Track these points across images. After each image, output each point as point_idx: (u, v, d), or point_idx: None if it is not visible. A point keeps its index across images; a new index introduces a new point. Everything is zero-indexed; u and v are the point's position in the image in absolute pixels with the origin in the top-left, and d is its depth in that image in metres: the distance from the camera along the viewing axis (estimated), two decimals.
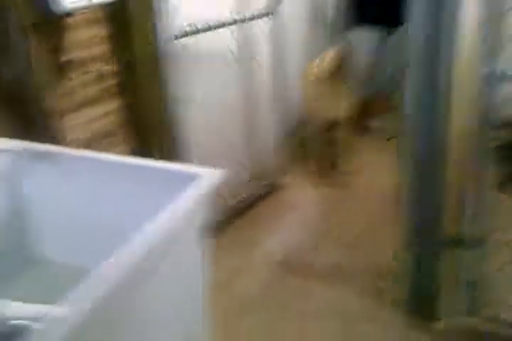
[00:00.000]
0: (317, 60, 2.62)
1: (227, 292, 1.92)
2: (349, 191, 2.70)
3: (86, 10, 1.58)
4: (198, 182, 1.00)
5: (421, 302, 1.71)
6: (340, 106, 2.75)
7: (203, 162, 2.15)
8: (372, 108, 3.18)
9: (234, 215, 2.41)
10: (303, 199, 2.67)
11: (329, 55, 2.61)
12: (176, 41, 1.91)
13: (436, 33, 1.37)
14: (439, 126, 1.46)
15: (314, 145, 2.92)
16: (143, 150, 1.96)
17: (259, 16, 2.35)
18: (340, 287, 1.94)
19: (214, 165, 2.25)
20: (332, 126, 2.95)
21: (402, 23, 1.49)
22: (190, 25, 1.99)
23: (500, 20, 1.32)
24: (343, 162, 2.89)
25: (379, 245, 2.13)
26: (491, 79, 1.34)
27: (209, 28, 2.08)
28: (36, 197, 1.22)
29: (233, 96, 2.41)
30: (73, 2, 1.41)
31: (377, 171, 2.76)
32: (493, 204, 1.52)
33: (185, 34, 1.97)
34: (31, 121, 1.50)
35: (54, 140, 1.52)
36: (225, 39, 2.23)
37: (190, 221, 1.01)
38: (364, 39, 2.93)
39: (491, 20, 1.31)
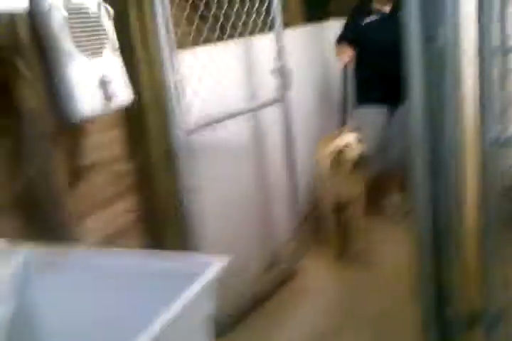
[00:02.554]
0: (327, 143, 2.65)
1: None
2: (364, 271, 2.64)
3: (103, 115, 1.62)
4: (203, 272, 0.99)
5: None
6: (352, 186, 2.76)
7: (217, 253, 2.16)
8: (384, 185, 3.19)
9: (249, 308, 2.32)
10: (319, 284, 2.59)
11: (340, 140, 2.67)
12: (190, 136, 1.95)
13: (437, 106, 1.40)
14: (449, 198, 1.44)
15: (328, 227, 2.89)
16: (157, 243, 1.93)
17: (269, 104, 2.41)
18: None
19: (228, 256, 2.21)
20: (345, 206, 2.94)
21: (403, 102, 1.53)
22: (203, 118, 2.03)
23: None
24: (357, 242, 2.85)
25: (398, 326, 2.04)
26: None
27: (222, 120, 2.13)
28: (45, 301, 1.21)
29: (247, 186, 2.42)
30: (90, 110, 1.45)
31: (391, 250, 2.72)
32: None
33: (199, 128, 2.01)
34: (48, 224, 1.49)
35: (70, 243, 1.50)
36: (238, 130, 2.28)
37: (195, 312, 0.98)
38: (371, 117, 2.98)
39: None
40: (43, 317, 1.21)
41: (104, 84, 1.48)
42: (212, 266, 1.06)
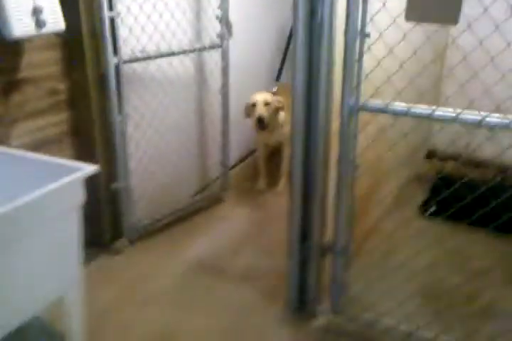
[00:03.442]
0: (260, 99, 2.96)
1: (139, 286, 2.21)
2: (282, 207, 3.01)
3: (40, 37, 1.92)
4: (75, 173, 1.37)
5: (302, 301, 1.99)
6: (283, 132, 3.10)
7: (145, 172, 2.53)
8: None
9: (169, 224, 2.73)
10: (236, 214, 2.97)
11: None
12: (126, 65, 2.25)
13: (314, 74, 1.70)
14: (317, 152, 1.78)
15: (258, 164, 3.27)
16: (83, 159, 2.27)
17: (210, 47, 2.69)
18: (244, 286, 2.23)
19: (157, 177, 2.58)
20: (275, 148, 3.30)
21: None
22: (142, 51, 2.33)
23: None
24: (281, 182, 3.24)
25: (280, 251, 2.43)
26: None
27: (160, 56, 2.42)
28: None
29: (183, 119, 2.74)
30: (22, 31, 1.74)
31: None
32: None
33: (136, 59, 2.31)
34: None
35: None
36: (177, 67, 2.57)
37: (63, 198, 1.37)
38: None
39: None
40: None
41: (36, 11, 1.77)
42: (83, 169, 1.42)
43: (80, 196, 1.40)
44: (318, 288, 1.97)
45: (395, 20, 1.55)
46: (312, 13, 1.64)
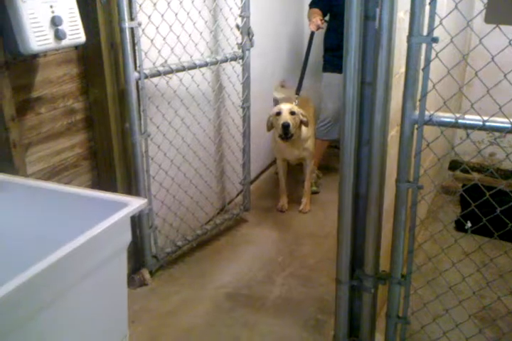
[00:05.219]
0: (284, 107, 2.77)
1: (172, 322, 2.00)
2: (309, 227, 2.82)
3: (57, 51, 1.73)
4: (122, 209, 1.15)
5: (354, 335, 1.79)
6: (306, 147, 2.92)
7: (165, 195, 2.33)
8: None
9: (193, 247, 2.52)
10: (260, 234, 2.77)
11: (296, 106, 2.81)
12: (147, 80, 2.06)
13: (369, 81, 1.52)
14: (371, 171, 1.59)
15: (279, 183, 3.08)
16: (104, 181, 2.07)
17: (231, 59, 2.51)
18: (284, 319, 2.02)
19: (178, 199, 2.36)
20: (298, 164, 3.12)
21: None
22: (163, 65, 2.14)
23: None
24: (304, 199, 3.04)
25: (321, 279, 2.24)
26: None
27: (182, 69, 2.23)
28: None
29: (202, 135, 2.55)
30: (41, 45, 1.55)
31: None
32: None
33: (158, 74, 2.11)
34: None
35: (16, 171, 1.63)
36: (197, 81, 2.38)
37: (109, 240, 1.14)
38: (334, 84, 3.08)
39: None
40: None
41: (55, 23, 1.58)
42: (130, 205, 1.20)
43: (128, 233, 1.19)
44: (373, 322, 1.77)
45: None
46: (367, 17, 1.46)
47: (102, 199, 1.23)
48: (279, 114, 2.76)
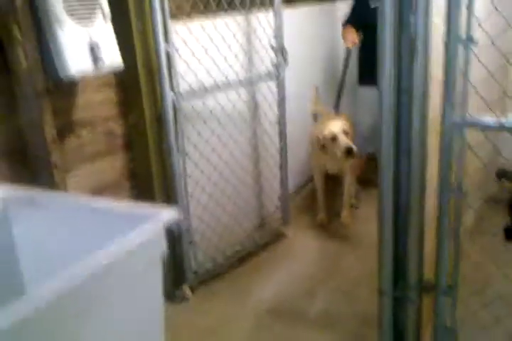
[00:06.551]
0: (322, 124, 2.75)
1: (212, 337, 1.96)
2: (349, 240, 2.77)
3: (96, 76, 1.78)
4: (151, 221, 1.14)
5: None
6: (340, 163, 2.88)
7: (204, 213, 2.33)
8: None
9: (233, 264, 2.50)
10: (301, 249, 2.73)
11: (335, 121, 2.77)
12: (181, 102, 2.09)
13: (406, 89, 1.48)
14: (412, 178, 1.53)
15: (318, 197, 3.04)
16: (144, 200, 2.08)
17: (265, 78, 2.52)
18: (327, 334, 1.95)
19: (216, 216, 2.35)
20: (337, 179, 3.07)
21: None
22: (199, 87, 2.17)
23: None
24: (344, 213, 2.97)
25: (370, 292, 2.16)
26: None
27: (217, 88, 2.26)
28: (21, 234, 1.37)
29: (239, 153, 2.55)
30: (79, 70, 1.60)
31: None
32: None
33: (194, 94, 2.15)
34: (36, 175, 1.66)
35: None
36: (232, 101, 2.40)
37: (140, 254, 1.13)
38: (370, 98, 3.04)
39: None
40: (20, 248, 1.38)
41: (93, 49, 1.64)
42: (162, 215, 1.19)
43: (162, 245, 1.18)
44: (418, 334, 1.68)
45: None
46: (401, 23, 1.44)
47: (131, 212, 1.23)
48: (334, 139, 2.71)
